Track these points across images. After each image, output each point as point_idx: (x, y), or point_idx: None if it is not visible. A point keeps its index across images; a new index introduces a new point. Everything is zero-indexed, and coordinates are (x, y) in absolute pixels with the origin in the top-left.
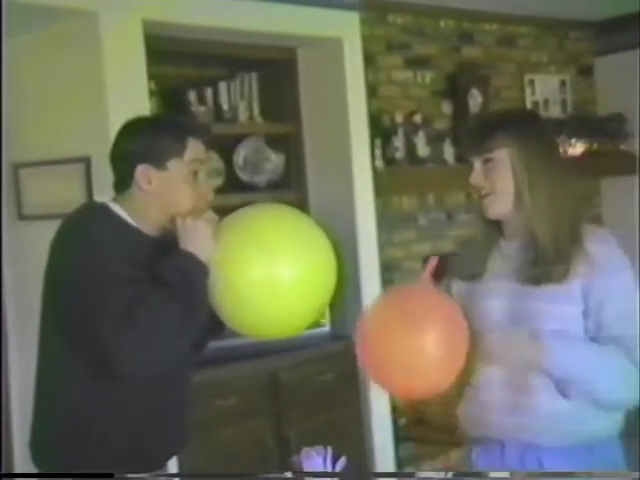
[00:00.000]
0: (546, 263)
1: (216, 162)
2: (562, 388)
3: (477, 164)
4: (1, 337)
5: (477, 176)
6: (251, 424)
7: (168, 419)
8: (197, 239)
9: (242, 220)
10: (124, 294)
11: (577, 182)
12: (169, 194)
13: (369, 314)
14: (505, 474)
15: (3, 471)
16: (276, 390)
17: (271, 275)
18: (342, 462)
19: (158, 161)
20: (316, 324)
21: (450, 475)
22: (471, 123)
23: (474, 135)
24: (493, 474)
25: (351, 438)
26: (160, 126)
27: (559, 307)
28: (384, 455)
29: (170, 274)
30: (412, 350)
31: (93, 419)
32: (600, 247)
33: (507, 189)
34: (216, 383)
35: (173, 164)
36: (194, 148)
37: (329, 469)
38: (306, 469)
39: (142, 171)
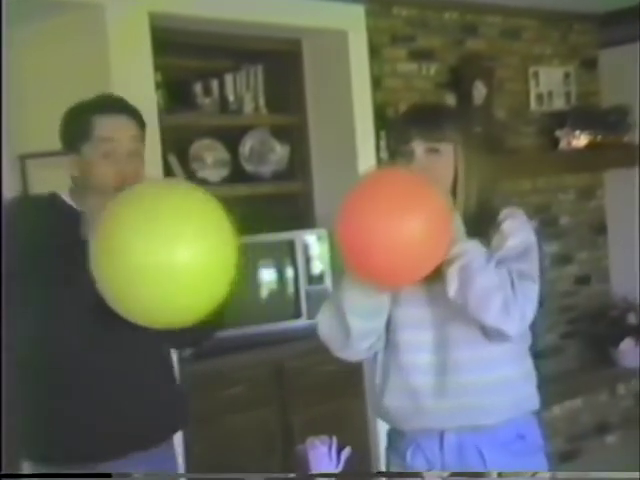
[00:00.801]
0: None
1: (222, 153)
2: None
3: (419, 151)
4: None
5: (420, 163)
6: (257, 413)
7: (149, 400)
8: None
9: (130, 199)
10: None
11: (579, 174)
12: (88, 178)
13: (352, 197)
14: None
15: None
16: (281, 379)
17: (161, 260)
18: (347, 452)
19: (74, 148)
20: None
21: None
22: (414, 109)
23: (422, 122)
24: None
25: (355, 427)
26: (68, 113)
27: None
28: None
29: None
30: (399, 233)
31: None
32: (508, 221)
33: (446, 180)
34: (222, 372)
35: (85, 147)
36: (102, 126)
37: (334, 459)
38: (311, 458)
39: (67, 162)
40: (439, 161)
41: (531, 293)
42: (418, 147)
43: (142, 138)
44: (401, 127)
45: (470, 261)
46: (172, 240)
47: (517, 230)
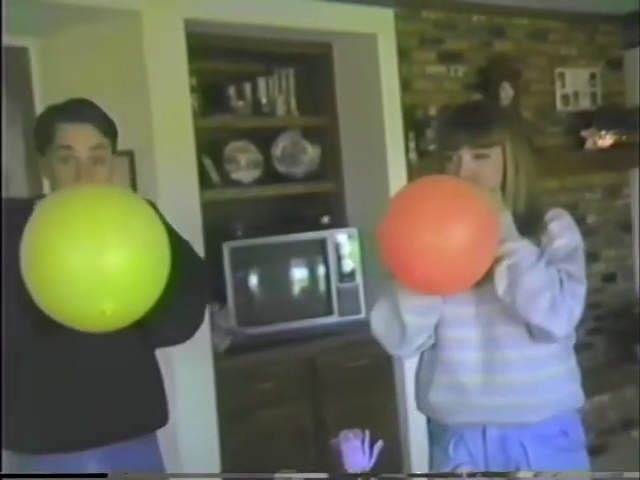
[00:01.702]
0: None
1: (255, 154)
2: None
3: (467, 158)
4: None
5: (468, 171)
6: (289, 408)
7: (123, 395)
8: None
9: (60, 201)
10: None
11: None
12: (51, 180)
13: (394, 203)
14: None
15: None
16: (313, 375)
17: (93, 265)
18: (379, 445)
19: (40, 150)
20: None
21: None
22: (456, 115)
23: (469, 128)
24: (521, 474)
25: (386, 421)
26: (38, 118)
27: None
28: (418, 437)
29: None
30: (446, 242)
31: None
32: (556, 222)
33: (495, 182)
34: (255, 368)
35: (48, 151)
36: (62, 134)
37: (367, 452)
38: (344, 452)
39: (39, 163)
40: (488, 165)
41: (579, 294)
42: (466, 154)
43: (107, 145)
44: (448, 133)
45: (520, 260)
46: (99, 244)
47: (565, 231)
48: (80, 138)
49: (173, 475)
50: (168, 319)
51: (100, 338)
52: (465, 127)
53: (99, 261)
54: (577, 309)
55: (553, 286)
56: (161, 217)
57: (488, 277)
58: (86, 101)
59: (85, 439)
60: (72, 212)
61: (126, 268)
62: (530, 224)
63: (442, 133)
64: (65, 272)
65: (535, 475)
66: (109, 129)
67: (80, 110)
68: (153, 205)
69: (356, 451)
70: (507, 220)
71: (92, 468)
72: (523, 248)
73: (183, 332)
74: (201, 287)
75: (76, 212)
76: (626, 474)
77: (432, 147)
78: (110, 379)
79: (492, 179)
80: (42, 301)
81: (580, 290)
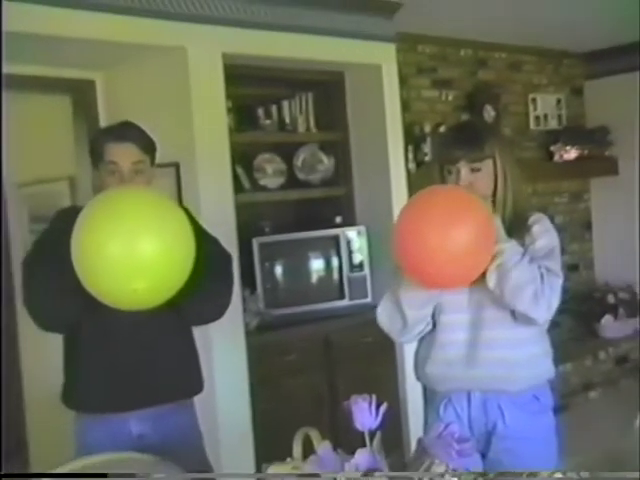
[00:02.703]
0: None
1: (280, 164)
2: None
3: (464, 171)
4: (1, 340)
5: (466, 182)
6: (308, 376)
7: (164, 365)
8: None
9: (102, 201)
10: None
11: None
12: (102, 189)
13: (408, 210)
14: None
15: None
16: (328, 349)
17: (126, 252)
18: (384, 407)
19: (94, 165)
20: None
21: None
22: (453, 133)
23: (465, 146)
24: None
25: (388, 388)
26: (92, 138)
27: None
28: (414, 404)
29: None
30: (450, 241)
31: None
32: (537, 225)
33: (489, 190)
34: (281, 343)
35: (100, 165)
36: (109, 152)
37: (373, 413)
38: (354, 412)
39: (92, 175)
40: (482, 176)
41: (556, 286)
42: (464, 167)
43: (146, 159)
44: (447, 150)
45: (507, 259)
46: (131, 234)
47: (545, 233)
48: (123, 155)
49: (176, 475)
50: (199, 301)
51: (144, 317)
52: (461, 144)
53: (133, 248)
54: (555, 299)
55: (535, 280)
56: (193, 218)
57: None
58: (129, 123)
59: (130, 402)
60: (112, 208)
61: (155, 254)
62: (515, 226)
63: (442, 150)
64: (105, 258)
65: (533, 475)
66: (148, 146)
67: (123, 131)
68: (185, 209)
69: (364, 412)
70: (497, 223)
71: (135, 427)
72: (510, 248)
73: (212, 312)
74: (227, 276)
75: (114, 208)
76: (626, 474)
77: (427, 158)
78: (152, 352)
79: (486, 188)
80: (87, 283)
81: (557, 283)
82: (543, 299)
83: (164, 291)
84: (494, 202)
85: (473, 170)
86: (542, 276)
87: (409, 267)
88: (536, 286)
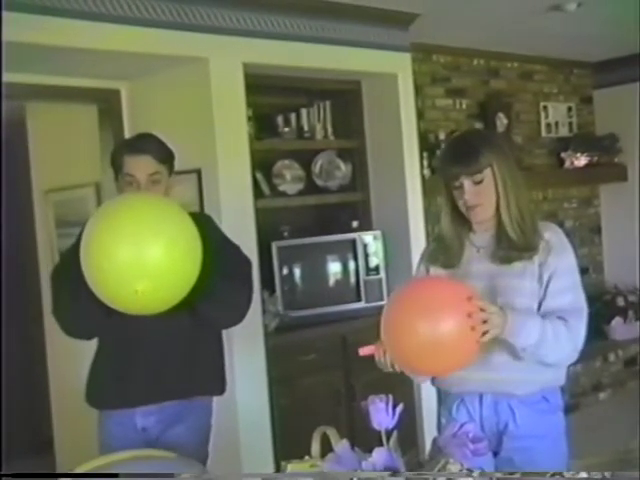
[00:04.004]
0: (516, 247)
1: (298, 171)
2: (515, 352)
3: (467, 184)
4: (1, 334)
5: (470, 194)
6: (326, 375)
7: (189, 365)
8: None
9: (106, 207)
10: None
11: (579, 187)
12: None
13: (391, 303)
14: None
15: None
16: (345, 350)
17: (130, 253)
18: (400, 408)
19: (115, 175)
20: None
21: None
22: (450, 150)
23: (462, 161)
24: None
25: (404, 389)
26: (113, 150)
27: (525, 283)
28: (429, 404)
29: None
30: (430, 336)
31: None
32: (552, 234)
33: (493, 200)
34: (299, 344)
35: (119, 176)
36: (127, 164)
37: (390, 413)
38: (371, 412)
39: (115, 186)
40: (485, 186)
41: (581, 325)
42: (465, 181)
43: (163, 170)
44: (447, 167)
45: (528, 346)
46: (135, 237)
47: (562, 250)
48: (140, 167)
49: (177, 475)
50: (219, 307)
51: (162, 322)
52: (459, 161)
53: (137, 252)
54: (581, 340)
55: (559, 344)
56: (215, 226)
57: (497, 261)
58: (146, 135)
59: (140, 399)
60: (117, 214)
61: (158, 256)
62: (527, 234)
63: (443, 167)
64: (110, 261)
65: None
66: (165, 156)
67: (140, 144)
68: (209, 218)
69: (381, 412)
70: (510, 318)
71: (147, 422)
72: (528, 335)
73: (232, 318)
74: (247, 283)
75: (120, 214)
76: (626, 474)
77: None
78: (166, 354)
79: (490, 195)
80: (94, 286)
81: (581, 323)
82: (574, 354)
83: (167, 294)
84: (498, 210)
85: (475, 182)
86: (558, 335)
87: (402, 366)
88: (559, 347)
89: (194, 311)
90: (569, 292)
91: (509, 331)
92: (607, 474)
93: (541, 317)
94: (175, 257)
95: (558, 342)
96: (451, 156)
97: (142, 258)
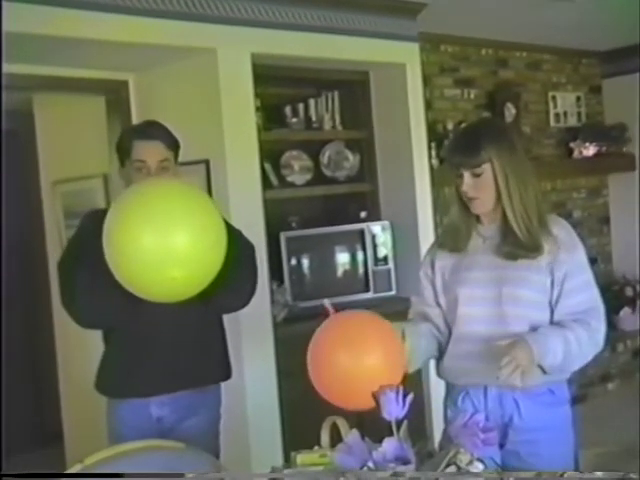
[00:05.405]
0: (522, 245)
1: (306, 161)
2: (542, 370)
3: (467, 176)
4: (10, 325)
5: (469, 186)
6: None
7: (194, 354)
8: None
9: (133, 194)
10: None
11: (588, 177)
12: (128, 185)
13: (317, 337)
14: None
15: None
16: None
17: (161, 241)
18: (410, 398)
19: (121, 162)
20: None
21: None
22: (454, 141)
23: (462, 154)
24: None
25: (412, 380)
26: (119, 136)
27: (533, 276)
28: (438, 394)
29: None
30: (352, 370)
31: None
32: (561, 230)
33: (492, 194)
34: (308, 335)
35: (128, 162)
36: (137, 150)
37: (400, 402)
38: (382, 402)
39: (119, 172)
40: (483, 180)
41: (601, 326)
42: (465, 172)
43: (171, 157)
44: (450, 158)
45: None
46: (164, 224)
47: (573, 247)
48: (151, 153)
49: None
50: (226, 291)
51: (175, 310)
52: (460, 153)
53: (167, 239)
54: (600, 342)
55: (582, 351)
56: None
57: (502, 255)
58: (155, 122)
59: (154, 388)
60: (142, 200)
61: (189, 244)
62: (533, 228)
63: (447, 158)
64: (139, 249)
65: (537, 475)
66: (173, 144)
67: (150, 130)
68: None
69: (392, 402)
70: (528, 347)
71: (157, 410)
72: (555, 356)
73: (239, 301)
74: (252, 266)
75: (148, 200)
76: (627, 474)
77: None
78: (180, 343)
79: (489, 191)
80: (121, 276)
81: (600, 324)
82: (588, 355)
83: (200, 279)
84: (500, 205)
85: (474, 175)
86: (580, 340)
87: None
88: (580, 353)
89: (203, 296)
90: (585, 290)
91: (536, 357)
92: (633, 474)
93: (560, 325)
94: (206, 245)
95: (582, 350)
96: (454, 147)
97: (174, 245)
